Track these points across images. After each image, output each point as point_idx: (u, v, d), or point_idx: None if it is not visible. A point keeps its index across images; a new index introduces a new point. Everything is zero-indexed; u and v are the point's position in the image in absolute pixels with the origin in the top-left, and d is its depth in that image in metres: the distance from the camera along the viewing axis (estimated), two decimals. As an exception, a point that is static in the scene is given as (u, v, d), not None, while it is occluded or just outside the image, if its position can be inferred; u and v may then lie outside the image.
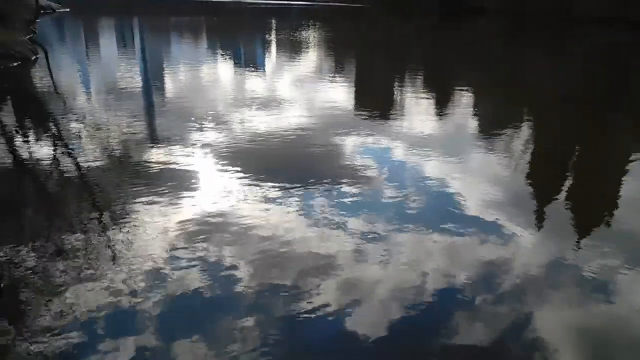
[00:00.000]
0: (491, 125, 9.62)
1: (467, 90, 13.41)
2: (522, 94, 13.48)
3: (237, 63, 17.40)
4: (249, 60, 18.60)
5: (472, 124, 10.04)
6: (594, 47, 25.78)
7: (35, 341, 3.45)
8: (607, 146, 8.98)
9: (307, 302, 3.94)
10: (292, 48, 21.74)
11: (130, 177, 6.46)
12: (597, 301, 4.17)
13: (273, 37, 27.57)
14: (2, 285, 4.02)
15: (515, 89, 14.04)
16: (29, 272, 4.24)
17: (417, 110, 10.85)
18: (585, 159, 8.34)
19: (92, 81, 13.49)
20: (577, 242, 5.16)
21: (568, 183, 7.09)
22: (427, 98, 12.24)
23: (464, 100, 12.10)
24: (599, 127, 10.23)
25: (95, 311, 3.76)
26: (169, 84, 13.21)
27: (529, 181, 6.88)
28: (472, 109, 11.18)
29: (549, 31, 33.28)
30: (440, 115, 10.43)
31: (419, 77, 15.56)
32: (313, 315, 3.80)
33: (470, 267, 4.54)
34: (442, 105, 11.42)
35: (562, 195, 6.53)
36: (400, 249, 4.80)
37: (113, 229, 5.03)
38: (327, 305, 3.92)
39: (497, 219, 5.53)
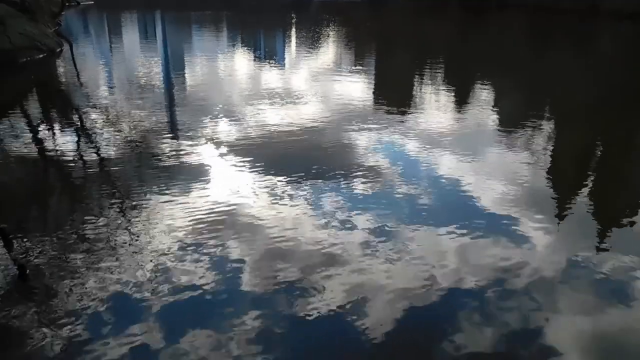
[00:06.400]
0: (517, 124, 9.48)
1: (493, 88, 13.24)
2: (547, 95, 13.23)
3: (257, 56, 17.48)
4: (268, 53, 18.67)
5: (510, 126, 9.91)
6: (624, 45, 25.12)
7: (58, 325, 3.58)
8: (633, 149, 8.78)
9: (314, 299, 3.96)
10: (311, 42, 21.72)
11: (149, 168, 6.59)
12: (615, 305, 4.11)
13: (292, 31, 27.59)
14: (27, 270, 4.17)
15: (540, 91, 13.79)
16: (52, 258, 4.38)
17: (435, 107, 10.77)
18: (609, 161, 8.17)
19: (114, 73, 13.73)
20: (596, 244, 5.08)
21: (591, 185, 6.97)
22: (446, 95, 12.12)
23: (492, 99, 11.94)
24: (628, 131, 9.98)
25: (113, 298, 3.87)
26: (189, 77, 13.36)
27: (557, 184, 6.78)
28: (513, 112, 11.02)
29: (577, 28, 32.53)
30: (460, 112, 10.33)
31: (438, 73, 15.41)
32: (320, 312, 3.82)
33: (484, 267, 4.51)
34: (463, 103, 11.29)
35: (583, 197, 6.42)
36: (411, 247, 4.77)
37: (131, 218, 5.15)
38: (334, 302, 3.93)
39: (514, 218, 5.48)
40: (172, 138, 7.87)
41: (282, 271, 4.30)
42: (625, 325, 3.87)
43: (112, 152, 7.17)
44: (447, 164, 7.02)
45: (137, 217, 5.19)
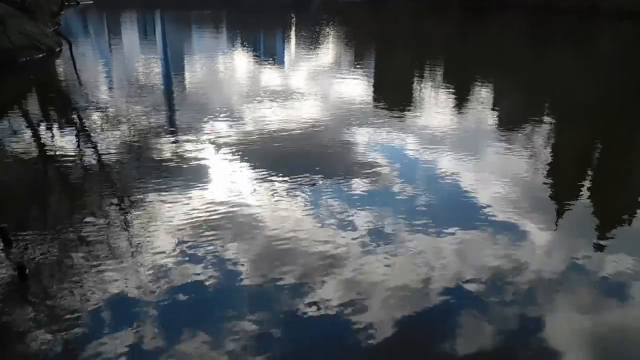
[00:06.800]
0: (517, 124, 9.48)
1: (493, 90, 13.23)
2: (548, 95, 13.23)
3: (257, 56, 17.47)
4: (268, 53, 18.66)
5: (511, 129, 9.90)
6: (624, 45, 25.12)
7: (57, 325, 3.57)
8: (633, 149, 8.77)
9: (312, 299, 3.96)
10: (311, 42, 21.71)
11: (149, 169, 6.58)
12: (614, 305, 4.11)
13: (292, 31, 27.58)
14: (27, 270, 4.17)
15: (541, 91, 13.79)
16: (52, 258, 4.38)
17: (435, 107, 10.76)
18: (609, 161, 8.16)
19: (114, 73, 13.72)
20: (594, 243, 5.08)
21: (591, 185, 6.97)
22: (446, 95, 12.11)
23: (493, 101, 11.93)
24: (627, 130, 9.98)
25: (112, 298, 3.87)
26: (189, 77, 13.35)
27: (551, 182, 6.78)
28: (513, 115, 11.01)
29: (577, 28, 32.55)
30: (459, 112, 10.33)
31: (438, 73, 15.40)
32: (317, 313, 3.81)
33: (482, 267, 4.51)
34: (463, 103, 11.29)
35: (583, 197, 6.42)
36: (410, 247, 4.77)
37: (130, 218, 5.14)
38: (332, 302, 3.93)
39: (514, 218, 5.48)
40: (172, 138, 7.87)
41: (282, 271, 4.30)
42: (624, 325, 3.88)
43: (112, 152, 7.16)
44: (448, 164, 7.02)
45: (136, 217, 5.18)
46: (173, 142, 7.63)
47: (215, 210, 5.34)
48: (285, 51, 19.60)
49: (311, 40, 22.40)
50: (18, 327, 3.57)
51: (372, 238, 4.89)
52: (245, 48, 19.89)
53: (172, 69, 14.57)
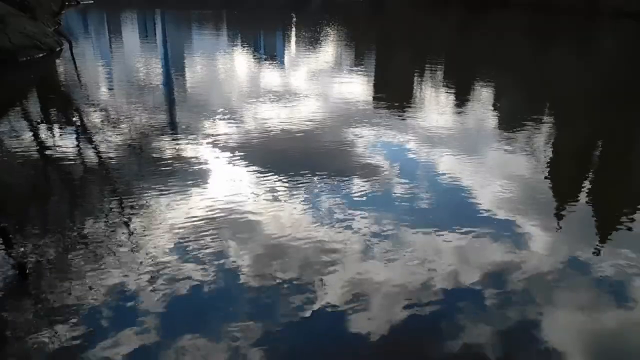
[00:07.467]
0: (518, 124, 9.48)
1: (494, 88, 13.23)
2: (548, 95, 13.23)
3: (257, 56, 17.45)
4: (268, 52, 18.64)
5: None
6: (625, 45, 25.10)
7: (57, 324, 3.57)
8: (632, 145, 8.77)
9: (311, 299, 3.96)
10: (311, 41, 21.70)
11: (149, 169, 6.58)
12: (613, 306, 4.11)
13: (292, 31, 27.56)
14: (27, 270, 4.17)
15: (541, 90, 13.79)
16: (52, 258, 4.38)
17: (437, 106, 10.76)
18: (609, 161, 8.16)
19: (114, 73, 13.71)
20: (596, 244, 5.08)
21: (591, 185, 6.96)
22: (447, 94, 12.11)
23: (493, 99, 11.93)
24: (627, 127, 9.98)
25: (112, 298, 3.87)
26: (189, 76, 13.33)
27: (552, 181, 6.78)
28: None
29: (578, 27, 32.52)
30: (460, 111, 10.32)
31: (439, 72, 15.39)
32: (317, 313, 3.81)
33: (482, 268, 4.51)
34: (464, 102, 11.28)
35: (583, 197, 6.42)
36: (409, 247, 4.77)
37: (130, 218, 5.15)
38: (331, 303, 3.93)
39: (514, 218, 5.48)
40: (173, 138, 7.87)
41: (281, 271, 4.30)
42: (624, 325, 3.88)
43: (112, 152, 7.16)
44: (448, 164, 7.03)
45: (136, 216, 5.19)
46: (174, 142, 7.63)
47: (215, 211, 5.34)
48: (286, 51, 19.58)
49: (312, 40, 22.38)
50: (18, 326, 3.57)
51: (373, 238, 4.89)
52: (246, 47, 19.87)
53: (173, 69, 14.55)
